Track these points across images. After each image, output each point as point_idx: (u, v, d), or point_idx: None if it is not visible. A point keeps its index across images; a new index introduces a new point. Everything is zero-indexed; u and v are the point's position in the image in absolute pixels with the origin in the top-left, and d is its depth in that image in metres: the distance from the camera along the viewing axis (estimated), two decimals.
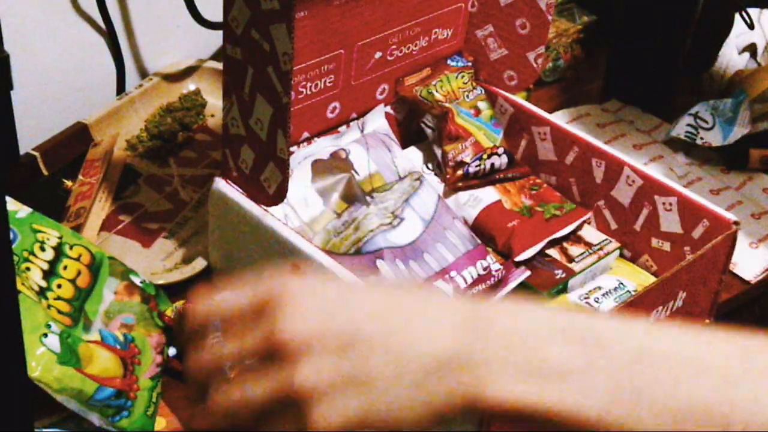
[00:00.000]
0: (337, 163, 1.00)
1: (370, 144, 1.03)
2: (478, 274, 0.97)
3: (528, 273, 1.00)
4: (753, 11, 1.48)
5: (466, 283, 0.95)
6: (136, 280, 0.93)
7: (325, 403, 0.57)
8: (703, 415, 0.56)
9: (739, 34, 1.49)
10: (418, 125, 1.12)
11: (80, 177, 1.11)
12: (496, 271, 0.98)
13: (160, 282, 0.99)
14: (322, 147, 1.03)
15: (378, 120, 1.08)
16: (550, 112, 1.19)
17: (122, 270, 0.92)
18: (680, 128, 1.27)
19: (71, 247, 0.89)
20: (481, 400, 0.57)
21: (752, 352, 0.59)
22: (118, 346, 0.85)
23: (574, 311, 0.64)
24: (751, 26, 1.45)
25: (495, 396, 0.57)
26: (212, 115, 1.23)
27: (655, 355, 0.57)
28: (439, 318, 0.58)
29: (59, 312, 0.84)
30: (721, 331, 0.59)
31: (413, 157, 1.12)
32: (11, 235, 0.85)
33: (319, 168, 1.00)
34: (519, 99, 1.13)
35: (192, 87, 1.26)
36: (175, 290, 1.00)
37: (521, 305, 0.60)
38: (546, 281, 1.01)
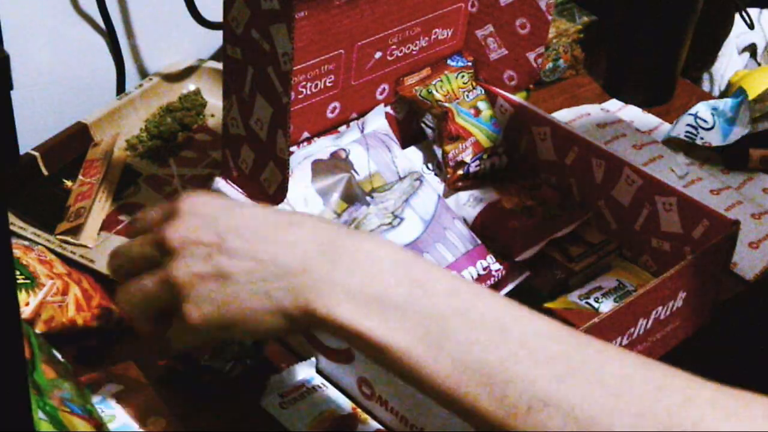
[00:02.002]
0: (337, 163, 1.00)
1: (370, 144, 1.03)
2: (478, 274, 0.97)
3: (528, 273, 1.00)
4: (753, 11, 1.48)
5: None
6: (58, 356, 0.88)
7: (192, 297, 0.69)
8: (488, 380, 0.62)
9: (739, 34, 1.49)
10: (418, 125, 1.12)
11: (80, 177, 1.11)
12: (496, 271, 0.98)
13: None
14: (322, 147, 1.03)
15: (378, 120, 1.08)
16: (550, 112, 1.19)
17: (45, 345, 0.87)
18: (680, 128, 1.27)
19: None
20: (312, 311, 0.66)
21: (565, 333, 0.64)
22: (86, 415, 0.82)
23: (416, 257, 0.69)
24: (751, 26, 1.45)
25: (324, 311, 0.66)
26: (212, 115, 1.23)
27: (470, 314, 0.64)
28: (300, 237, 0.68)
29: None
30: (545, 316, 0.66)
31: (413, 157, 1.12)
32: None
33: (319, 168, 1.00)
34: (519, 99, 1.13)
35: (192, 87, 1.26)
36: None
37: (373, 236, 0.71)
38: (546, 281, 1.01)
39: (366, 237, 0.71)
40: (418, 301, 0.65)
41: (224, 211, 0.71)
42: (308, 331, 0.78)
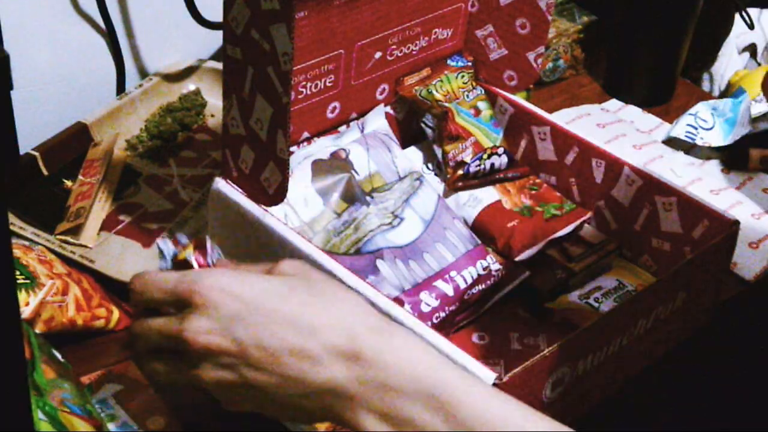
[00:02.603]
0: (337, 163, 1.00)
1: (370, 144, 1.03)
2: (478, 274, 0.97)
3: (528, 273, 1.00)
4: (753, 11, 1.48)
5: (466, 283, 0.95)
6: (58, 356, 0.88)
7: (224, 399, 0.71)
8: None
9: (739, 34, 1.49)
10: (418, 125, 1.12)
11: (80, 177, 1.11)
12: (496, 271, 0.98)
13: None
14: (322, 147, 1.03)
15: (378, 120, 1.08)
16: (550, 112, 1.18)
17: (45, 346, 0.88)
18: (680, 128, 1.27)
19: None
20: (344, 424, 0.67)
21: None
22: (86, 415, 0.82)
23: (445, 367, 0.68)
24: (751, 26, 1.45)
25: (356, 426, 0.66)
26: (212, 115, 1.23)
27: None
28: (325, 345, 0.67)
29: None
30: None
31: (413, 157, 1.12)
32: None
33: (319, 168, 1.00)
34: (519, 99, 1.13)
35: (192, 87, 1.26)
36: None
37: (409, 342, 0.67)
38: (546, 281, 1.01)
39: (390, 340, 0.68)
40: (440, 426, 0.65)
41: (241, 312, 0.69)
42: None
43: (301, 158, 1.00)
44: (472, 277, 0.96)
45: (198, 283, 0.70)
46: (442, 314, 0.93)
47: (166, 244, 0.87)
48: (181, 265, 0.83)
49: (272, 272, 0.73)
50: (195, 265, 0.82)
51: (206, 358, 0.69)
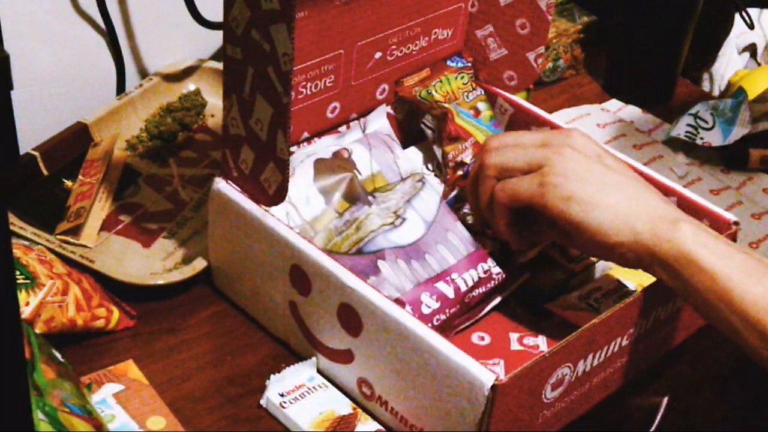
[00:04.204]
0: (340, 162, 1.00)
1: (372, 144, 1.03)
2: (479, 277, 0.97)
3: (526, 275, 1.00)
4: (753, 11, 1.48)
5: (467, 285, 0.95)
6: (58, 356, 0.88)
7: (558, 187, 0.86)
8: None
9: (739, 34, 1.49)
10: (417, 126, 1.12)
11: (80, 177, 1.11)
12: (497, 274, 0.98)
13: (160, 282, 0.99)
14: (324, 146, 1.03)
15: (380, 120, 1.08)
16: (550, 112, 1.19)
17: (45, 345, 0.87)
18: (680, 128, 1.27)
19: None
20: (665, 242, 0.82)
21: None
22: (86, 415, 0.82)
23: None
24: (751, 26, 1.45)
25: (672, 243, 0.82)
26: (212, 115, 1.24)
27: (737, 263, 0.81)
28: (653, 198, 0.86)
29: None
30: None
31: (414, 158, 1.12)
32: None
33: (322, 167, 1.00)
34: (519, 99, 1.13)
35: (192, 87, 1.26)
36: (175, 290, 1.00)
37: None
38: (546, 281, 1.01)
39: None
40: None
41: (597, 162, 0.87)
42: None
43: (303, 157, 1.00)
44: (473, 279, 0.96)
45: (562, 142, 0.89)
46: (443, 317, 0.93)
47: None
48: None
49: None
50: None
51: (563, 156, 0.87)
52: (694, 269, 0.80)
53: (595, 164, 0.87)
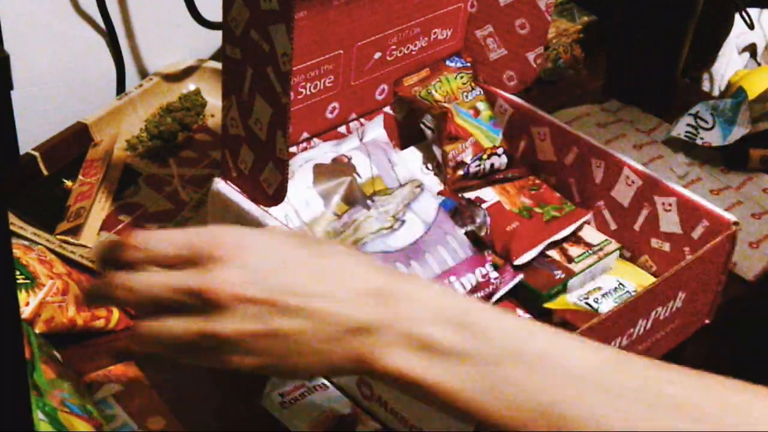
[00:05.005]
0: (339, 166, 1.01)
1: (370, 151, 1.04)
2: (477, 281, 0.97)
3: (520, 277, 1.00)
4: (753, 11, 1.48)
5: (465, 289, 0.95)
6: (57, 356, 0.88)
7: (240, 350, 0.67)
8: (558, 422, 0.63)
9: (739, 34, 1.49)
10: (417, 126, 1.12)
11: (80, 177, 1.11)
12: (494, 279, 0.98)
13: None
14: (323, 153, 1.03)
15: (377, 129, 1.08)
16: (550, 112, 1.18)
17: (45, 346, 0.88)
18: (680, 128, 1.27)
19: None
20: (372, 365, 0.66)
21: (624, 366, 0.65)
22: (85, 415, 0.82)
23: (469, 300, 0.72)
24: (751, 26, 1.45)
25: (385, 364, 0.66)
26: (212, 115, 1.24)
27: (529, 357, 0.64)
28: (357, 287, 0.67)
29: None
30: (593, 341, 0.66)
31: (412, 157, 1.12)
32: None
33: (321, 171, 1.00)
34: (519, 99, 1.13)
35: (192, 87, 1.26)
36: None
37: (428, 284, 0.70)
38: (545, 282, 1.01)
39: (411, 280, 0.71)
40: (479, 350, 0.65)
41: (271, 261, 0.68)
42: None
43: (303, 161, 1.01)
44: (471, 284, 0.96)
45: (219, 237, 0.69)
46: None
47: None
48: None
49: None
50: None
51: (230, 310, 0.67)
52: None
53: None
